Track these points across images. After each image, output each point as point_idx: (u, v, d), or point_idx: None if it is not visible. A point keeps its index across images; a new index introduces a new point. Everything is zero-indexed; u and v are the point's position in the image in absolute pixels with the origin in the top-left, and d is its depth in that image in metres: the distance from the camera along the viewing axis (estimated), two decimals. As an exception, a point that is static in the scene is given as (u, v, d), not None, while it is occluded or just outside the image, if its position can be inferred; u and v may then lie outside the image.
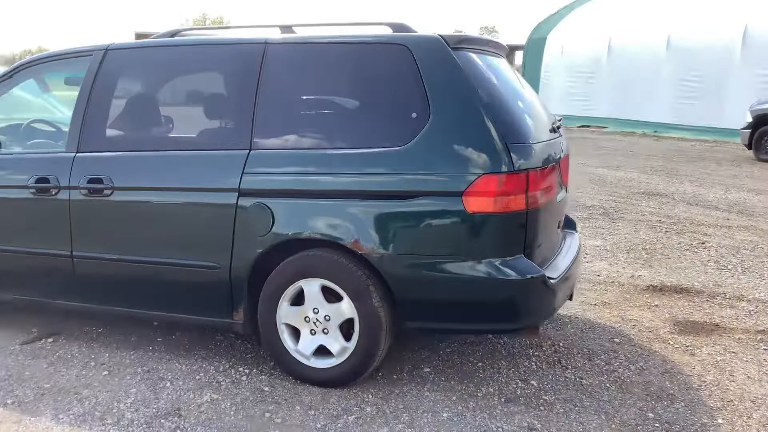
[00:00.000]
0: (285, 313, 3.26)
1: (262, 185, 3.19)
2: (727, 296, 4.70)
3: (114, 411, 3.05)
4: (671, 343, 3.85)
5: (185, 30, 3.69)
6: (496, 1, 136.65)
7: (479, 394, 3.21)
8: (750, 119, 12.81)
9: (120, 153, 3.52)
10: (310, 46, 3.36)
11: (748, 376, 3.43)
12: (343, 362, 3.20)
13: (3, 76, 3.87)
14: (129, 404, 3.10)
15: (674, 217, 7.45)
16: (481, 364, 3.56)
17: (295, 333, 3.28)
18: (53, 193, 3.54)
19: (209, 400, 3.14)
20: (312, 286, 3.19)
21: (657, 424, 2.96)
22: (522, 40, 26.35)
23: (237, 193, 3.21)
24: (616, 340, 3.90)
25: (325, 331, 3.21)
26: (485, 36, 3.70)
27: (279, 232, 3.17)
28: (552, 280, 3.14)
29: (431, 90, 3.04)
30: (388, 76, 3.18)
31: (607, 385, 3.32)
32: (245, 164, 3.21)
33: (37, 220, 3.64)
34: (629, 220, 7.33)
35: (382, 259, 3.05)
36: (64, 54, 3.84)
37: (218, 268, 3.30)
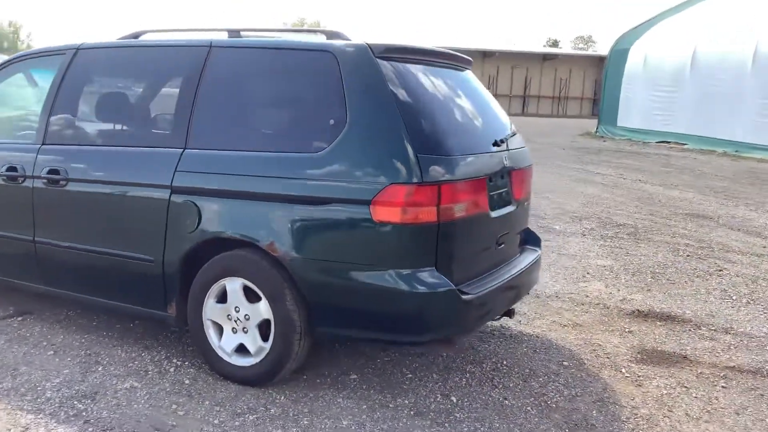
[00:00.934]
0: (210, 309, 3.33)
1: (192, 183, 3.27)
2: (714, 328, 4.42)
3: (38, 389, 3.20)
4: (623, 371, 3.67)
5: (148, 31, 3.83)
6: (593, 11, 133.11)
7: (391, 405, 3.17)
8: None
9: (75, 146, 3.70)
10: (246, 51, 3.43)
11: (688, 414, 3.22)
12: (259, 362, 3.24)
13: (-6, 70, 4.15)
14: (55, 384, 3.25)
15: (705, 241, 7.05)
16: (411, 375, 3.51)
17: (220, 330, 3.35)
18: (20, 181, 3.76)
19: (129, 387, 3.25)
20: (234, 285, 3.25)
21: (560, 453, 2.84)
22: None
23: (170, 190, 3.32)
24: (565, 363, 3.75)
25: (245, 330, 3.26)
26: (436, 48, 3.64)
27: (205, 230, 3.25)
28: (467, 296, 3.06)
29: (350, 97, 3.04)
30: (314, 83, 3.20)
31: (529, 408, 3.20)
32: (178, 162, 3.31)
33: (7, 206, 3.87)
34: (655, 241, 7.01)
35: (294, 263, 3.07)
36: (48, 51, 4.07)
37: (153, 262, 3.41)
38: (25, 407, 3.03)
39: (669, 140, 20.21)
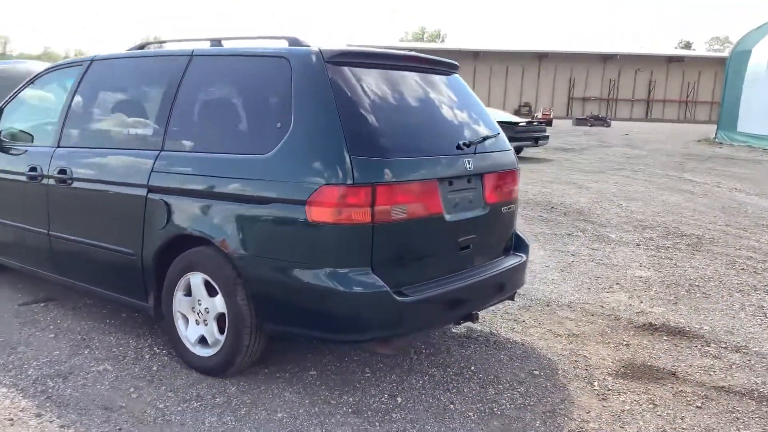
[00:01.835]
0: (179, 302, 3.53)
1: (163, 183, 3.49)
2: (726, 345, 4.12)
3: (24, 366, 3.52)
4: (595, 385, 3.51)
5: (151, 43, 4.12)
6: (730, 11, 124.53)
7: (333, 402, 3.22)
8: None
9: (80, 148, 4.03)
10: (215, 59, 3.62)
11: None
12: (216, 353, 3.40)
13: (27, 82, 4.61)
14: (40, 363, 3.57)
15: (772, 254, 6.52)
16: (370, 375, 3.54)
17: (187, 321, 3.55)
18: (39, 179, 4.16)
19: (102, 369, 3.51)
20: (197, 280, 3.43)
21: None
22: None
23: (147, 189, 3.56)
24: (536, 372, 3.64)
25: (206, 322, 3.44)
26: (408, 53, 3.64)
27: (172, 227, 3.46)
28: (405, 298, 3.07)
29: (296, 101, 3.14)
30: (270, 87, 3.31)
31: (470, 414, 3.15)
32: (154, 163, 3.55)
33: (30, 202, 4.29)
34: (714, 253, 6.56)
35: (242, 260, 3.21)
36: (74, 62, 4.47)
37: (134, 256, 3.66)
38: (4, 381, 3.35)
39: (791, 147, 18.70)
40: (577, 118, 46.18)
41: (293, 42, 3.39)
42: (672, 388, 3.50)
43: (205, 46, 3.77)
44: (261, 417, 3.07)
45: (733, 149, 20.82)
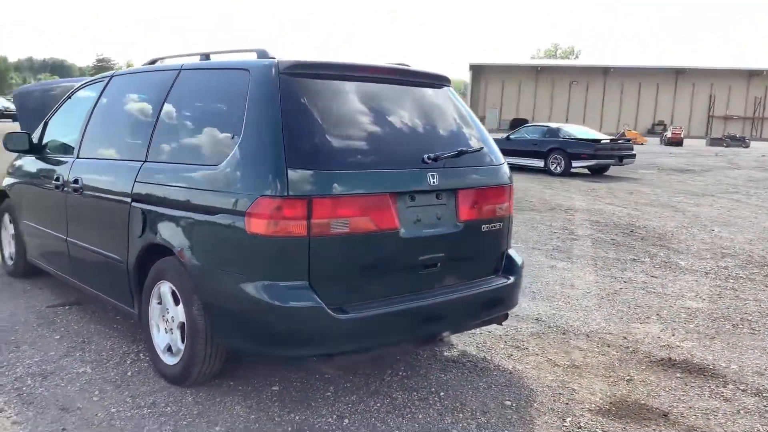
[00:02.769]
0: (153, 309, 3.63)
1: (142, 192, 3.61)
2: (746, 388, 3.65)
3: (16, 364, 3.74)
4: (567, 421, 3.22)
5: (162, 58, 4.30)
6: None
7: (277, 420, 3.16)
8: None
9: (91, 159, 4.26)
10: (197, 72, 3.70)
11: (591, 475, 2.76)
12: (177, 362, 3.45)
13: (66, 96, 4.96)
14: (32, 362, 3.77)
15: None
16: (331, 394, 3.45)
17: (159, 329, 3.63)
18: (62, 189, 4.44)
19: (81, 372, 3.65)
20: (165, 288, 3.51)
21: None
22: None
23: (131, 198, 3.70)
24: (507, 402, 3.40)
25: (172, 330, 3.51)
26: (377, 64, 3.55)
27: (147, 236, 3.57)
28: (344, 315, 2.98)
29: (248, 112, 3.14)
30: (233, 99, 3.31)
31: (411, 442, 2.99)
32: (137, 174, 3.69)
33: (57, 210, 4.58)
34: (792, 285, 5.87)
35: (193, 270, 3.25)
36: (100, 78, 4.76)
37: (122, 263, 3.82)
38: (-9, 376, 3.60)
39: None
40: (711, 138, 43.37)
41: (261, 54, 3.41)
42: (653, 430, 3.14)
43: (196, 60, 3.88)
44: (199, 428, 3.07)
45: None
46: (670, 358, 4.06)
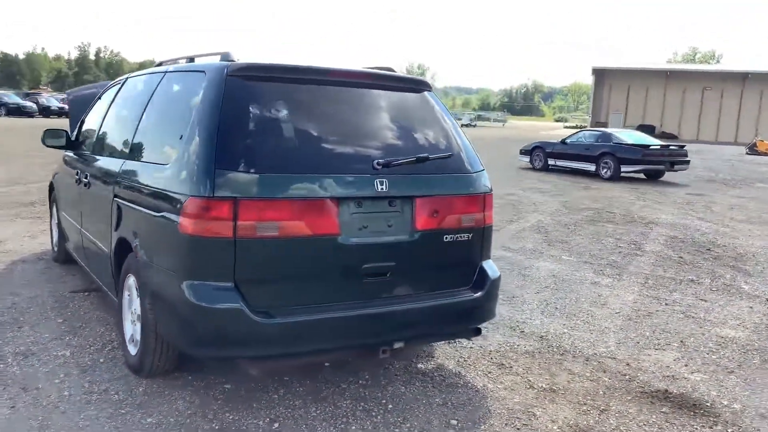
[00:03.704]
0: (125, 300, 3.74)
1: (120, 188, 3.76)
2: (742, 427, 3.24)
3: (9, 343, 3.97)
4: (507, 447, 3.00)
5: (167, 61, 4.43)
6: None
7: (210, 417, 3.15)
8: None
9: (99, 156, 4.47)
10: (173, 75, 3.80)
11: None
12: (136, 353, 3.55)
13: (97, 97, 5.25)
14: (25, 342, 3.99)
15: None
16: (278, 396, 3.40)
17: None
18: (81, 184, 4.69)
19: (59, 355, 3.83)
20: (131, 281, 3.61)
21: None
22: None
23: (113, 194, 3.85)
24: (454, 422, 3.21)
25: (134, 322, 3.61)
26: (335, 67, 3.43)
27: (118, 230, 3.71)
28: (269, 320, 2.93)
29: (194, 113, 3.18)
30: (191, 101, 3.36)
31: (328, 453, 2.89)
32: (120, 171, 3.84)
33: (78, 203, 4.85)
34: None
35: (143, 265, 3.33)
36: (119, 81, 4.99)
37: (108, 255, 3.98)
38: (-22, 353, 3.85)
39: None
40: None
41: (223, 57, 3.42)
42: (598, 468, 2.86)
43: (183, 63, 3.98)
44: (133, 418, 3.13)
45: None
46: (666, 390, 3.68)
